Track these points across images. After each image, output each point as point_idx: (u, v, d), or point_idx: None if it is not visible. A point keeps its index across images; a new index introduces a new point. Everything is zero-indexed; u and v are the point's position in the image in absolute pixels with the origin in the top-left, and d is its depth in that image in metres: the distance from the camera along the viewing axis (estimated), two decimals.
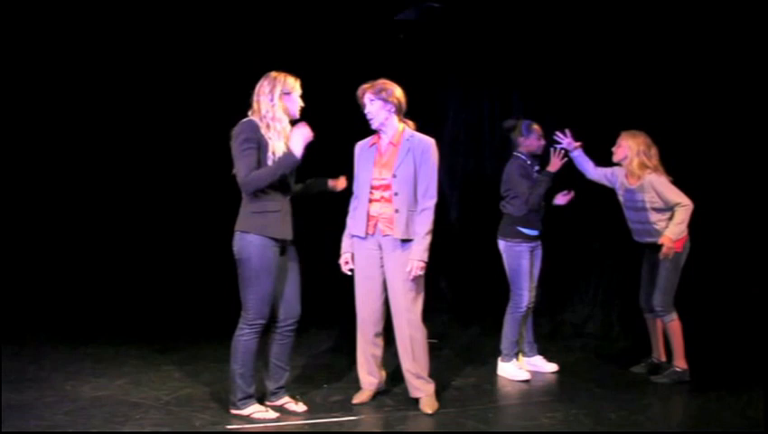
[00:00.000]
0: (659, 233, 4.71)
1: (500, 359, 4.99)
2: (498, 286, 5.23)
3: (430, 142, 4.18)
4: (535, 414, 4.19)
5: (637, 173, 4.77)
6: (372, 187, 4.16)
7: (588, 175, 5.05)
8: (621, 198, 4.93)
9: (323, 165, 4.35)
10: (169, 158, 6.95)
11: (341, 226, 4.35)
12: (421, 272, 4.10)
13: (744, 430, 3.98)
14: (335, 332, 5.88)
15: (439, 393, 4.33)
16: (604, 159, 4.94)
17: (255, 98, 3.91)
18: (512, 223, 4.88)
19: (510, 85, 6.68)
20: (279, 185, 3.89)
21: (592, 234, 6.19)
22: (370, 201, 4.16)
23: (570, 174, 5.00)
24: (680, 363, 4.77)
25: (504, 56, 6.66)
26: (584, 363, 5.34)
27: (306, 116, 3.98)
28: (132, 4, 6.39)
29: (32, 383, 4.50)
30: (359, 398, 4.31)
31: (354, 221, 4.23)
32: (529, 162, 4.94)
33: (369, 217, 4.16)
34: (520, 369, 4.93)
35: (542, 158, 5.00)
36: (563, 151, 4.83)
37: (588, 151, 4.99)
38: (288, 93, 3.91)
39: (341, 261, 4.30)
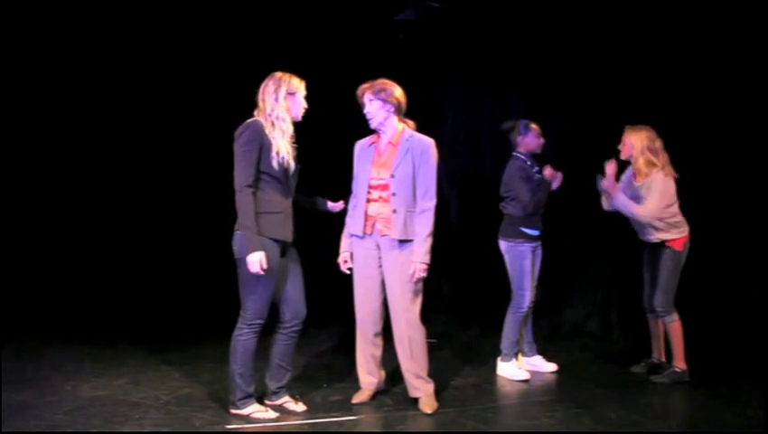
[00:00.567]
0: (663, 231, 4.71)
1: (499, 359, 4.98)
2: (497, 286, 5.23)
3: (429, 142, 4.17)
4: (535, 414, 4.19)
5: (644, 171, 4.73)
6: (370, 187, 4.16)
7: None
8: (626, 195, 4.90)
9: (322, 165, 4.35)
10: (169, 158, 6.96)
11: (340, 226, 4.35)
12: (424, 274, 4.09)
13: (743, 430, 3.98)
14: (335, 332, 5.87)
15: (439, 393, 4.32)
16: (604, 159, 4.92)
17: (260, 97, 3.90)
18: (514, 224, 4.87)
19: (510, 85, 6.67)
20: (280, 187, 3.88)
21: (592, 234, 6.18)
22: (368, 200, 4.16)
23: (570, 175, 5.00)
24: (680, 364, 4.77)
25: (504, 56, 6.66)
26: (584, 362, 5.33)
27: (307, 115, 3.99)
28: (134, 4, 6.39)
29: (32, 383, 4.50)
30: (358, 398, 4.31)
31: (353, 220, 4.23)
32: (528, 162, 4.94)
33: (367, 217, 4.16)
34: (520, 369, 4.92)
35: (542, 157, 5.01)
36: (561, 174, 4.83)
37: (588, 151, 4.98)
38: (293, 93, 3.90)
39: (340, 260, 4.30)
